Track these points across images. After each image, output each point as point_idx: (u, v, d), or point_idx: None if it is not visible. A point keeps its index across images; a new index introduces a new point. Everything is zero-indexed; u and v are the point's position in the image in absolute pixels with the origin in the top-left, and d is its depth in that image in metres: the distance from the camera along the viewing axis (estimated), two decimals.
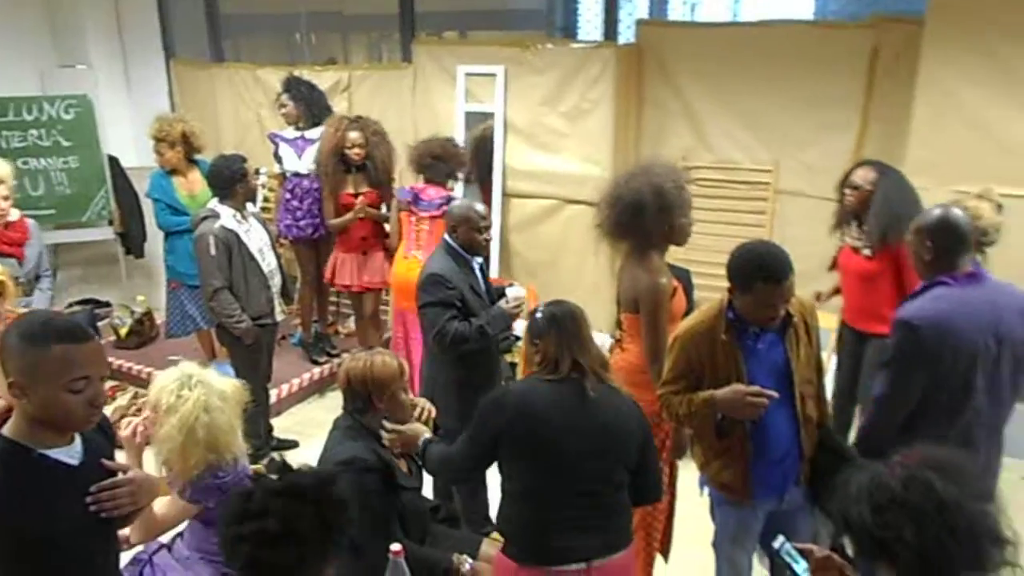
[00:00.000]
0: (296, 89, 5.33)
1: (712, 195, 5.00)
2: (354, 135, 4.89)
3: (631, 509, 2.42)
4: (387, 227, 5.13)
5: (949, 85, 4.16)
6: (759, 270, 2.38)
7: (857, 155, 4.63)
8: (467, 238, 3.35)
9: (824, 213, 4.17)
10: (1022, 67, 4.00)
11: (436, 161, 4.70)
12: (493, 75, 5.26)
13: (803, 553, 2.07)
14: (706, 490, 2.75)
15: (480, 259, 3.46)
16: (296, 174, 5.26)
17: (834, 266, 4.02)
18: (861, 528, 1.69)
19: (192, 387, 2.39)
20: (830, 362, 4.15)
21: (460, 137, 5.41)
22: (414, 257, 4.58)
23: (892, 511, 1.65)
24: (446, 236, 3.40)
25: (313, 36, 7.20)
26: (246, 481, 2.22)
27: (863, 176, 3.72)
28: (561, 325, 2.34)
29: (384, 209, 5.13)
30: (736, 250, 2.51)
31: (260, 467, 2.86)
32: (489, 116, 5.36)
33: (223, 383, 2.49)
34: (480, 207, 3.43)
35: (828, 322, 4.05)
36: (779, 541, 2.09)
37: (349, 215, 4.94)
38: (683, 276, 3.23)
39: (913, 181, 4.16)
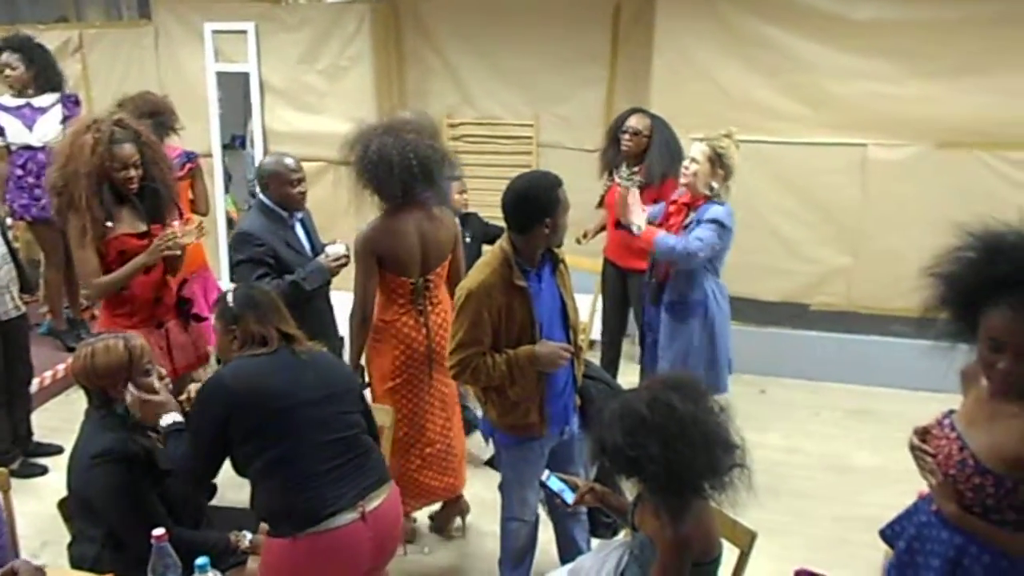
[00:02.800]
0: (29, 50, 4.67)
1: (478, 151, 5.12)
2: (126, 150, 3.09)
3: (378, 449, 2.47)
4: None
5: (683, 43, 4.52)
6: (552, 184, 2.51)
7: (608, 108, 4.93)
8: (280, 194, 3.18)
9: (583, 163, 4.41)
10: (742, 23, 4.43)
11: (155, 117, 4.36)
12: (243, 32, 4.99)
13: (568, 483, 2.22)
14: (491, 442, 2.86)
15: (300, 214, 3.29)
16: (28, 147, 4.68)
17: (601, 204, 4.25)
18: (615, 450, 1.84)
19: None
20: (597, 301, 4.42)
21: (214, 98, 5.11)
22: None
23: (640, 432, 1.81)
24: (260, 194, 3.25)
25: None
26: None
27: (640, 123, 3.94)
28: (257, 303, 2.37)
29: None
30: (508, 190, 2.55)
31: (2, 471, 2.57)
32: (243, 76, 5.08)
33: None
34: (289, 160, 3.23)
35: (595, 266, 4.32)
36: (546, 475, 2.22)
37: (139, 259, 3.10)
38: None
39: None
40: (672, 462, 1.78)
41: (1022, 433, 1.69)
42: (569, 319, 2.69)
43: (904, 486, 1.94)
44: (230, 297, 2.41)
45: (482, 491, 3.49)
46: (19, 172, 4.71)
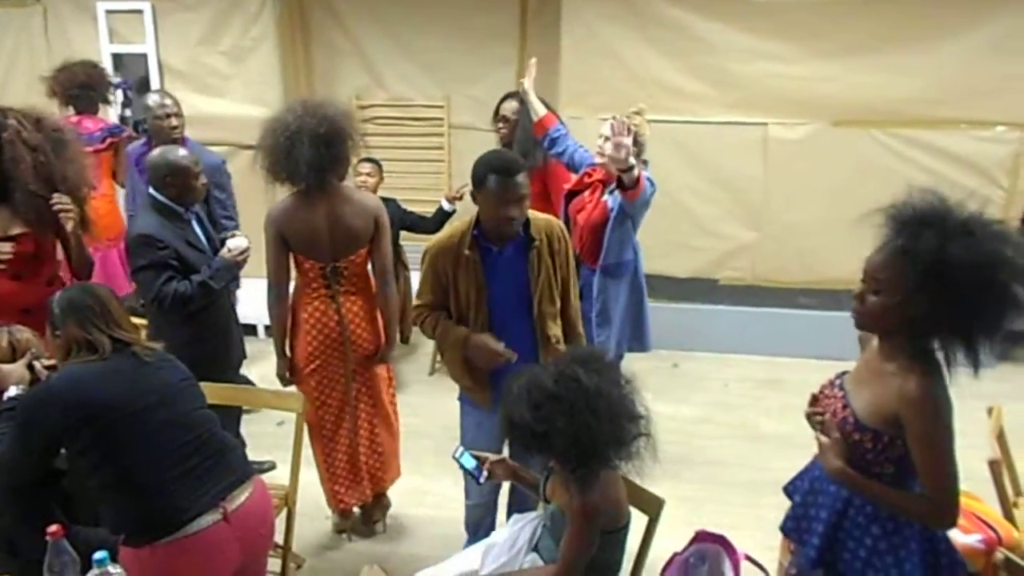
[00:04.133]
0: None
1: (389, 132, 5.06)
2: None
3: (240, 445, 2.40)
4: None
5: (589, 22, 4.56)
6: (489, 166, 2.49)
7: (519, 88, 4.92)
8: (184, 187, 3.02)
9: (495, 145, 4.39)
10: (648, 8, 4.49)
11: (85, 90, 4.19)
12: (139, 12, 4.79)
13: (480, 459, 2.23)
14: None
15: (195, 209, 3.14)
16: None
17: None
18: (522, 424, 1.85)
19: None
20: None
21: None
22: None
23: (547, 406, 1.83)
24: (151, 190, 3.05)
25: None
26: None
27: (509, 108, 4.02)
28: (78, 309, 2.21)
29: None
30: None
31: None
32: (141, 57, 4.89)
33: None
34: (182, 152, 3.09)
35: None
36: (460, 451, 2.23)
37: None
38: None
39: (566, 111, 4.54)
40: (578, 434, 1.81)
41: (897, 390, 1.77)
42: (532, 304, 2.62)
43: (810, 451, 2.04)
44: (54, 301, 2.24)
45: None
46: None
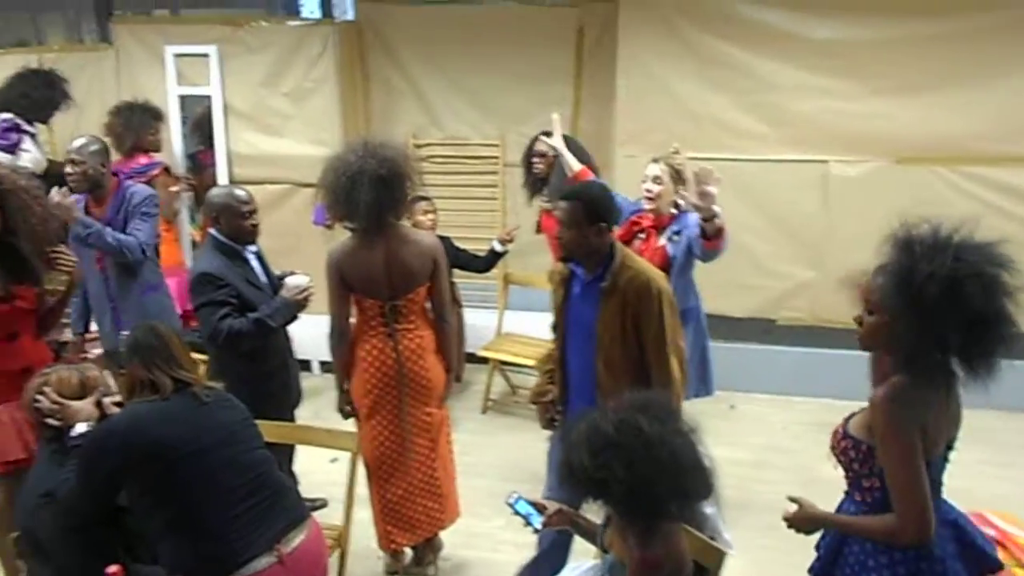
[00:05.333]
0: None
1: (445, 171, 5.11)
2: None
3: (295, 486, 2.41)
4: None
5: (645, 62, 4.56)
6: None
7: (574, 127, 4.95)
8: (232, 226, 3.08)
9: None
10: (701, 42, 4.49)
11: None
12: (206, 55, 4.94)
13: (536, 506, 2.19)
14: None
15: (254, 247, 3.19)
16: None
17: (539, 229, 4.32)
18: (581, 471, 1.81)
19: None
20: None
21: (176, 122, 5.06)
22: None
23: (606, 453, 1.79)
24: (211, 229, 3.13)
25: None
26: None
27: (547, 145, 4.05)
28: (143, 349, 2.26)
29: None
30: None
31: None
32: (206, 99, 5.04)
33: None
34: (240, 191, 3.15)
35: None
36: (513, 497, 2.19)
37: None
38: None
39: (622, 151, 4.55)
40: (638, 485, 1.76)
41: (877, 399, 1.84)
42: (594, 345, 2.60)
43: None
44: (123, 339, 2.31)
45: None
46: None
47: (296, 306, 3.12)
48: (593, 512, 2.19)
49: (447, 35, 4.99)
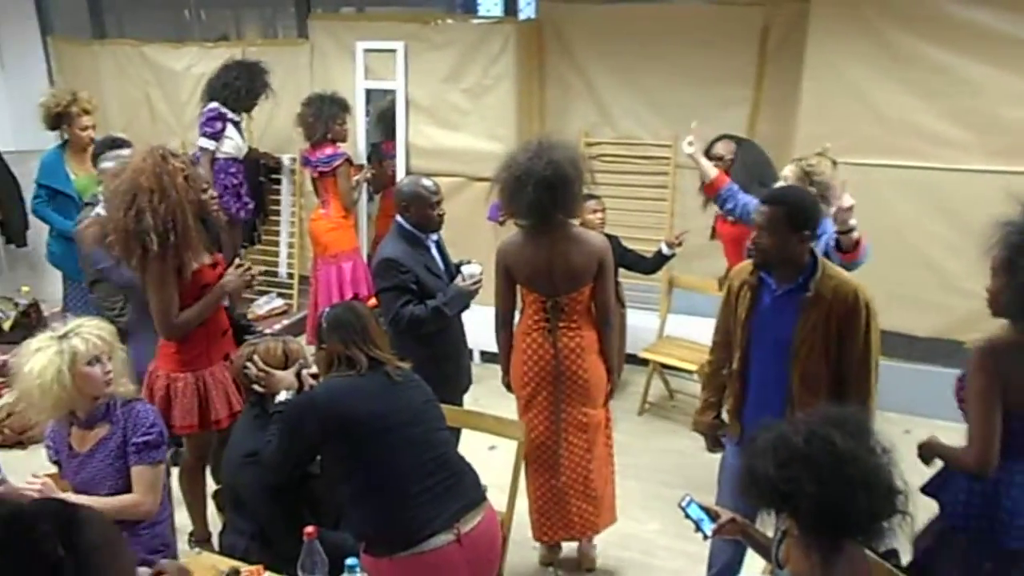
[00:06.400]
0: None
1: (616, 170, 5.08)
2: (200, 171, 3.38)
3: (472, 469, 2.46)
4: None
5: (835, 62, 4.33)
6: None
7: (751, 130, 4.79)
8: (421, 216, 3.22)
9: None
10: (901, 43, 4.21)
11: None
12: (393, 51, 5.17)
13: (709, 512, 2.14)
14: None
15: (435, 236, 3.33)
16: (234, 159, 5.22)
17: (714, 235, 4.22)
18: (766, 481, 1.75)
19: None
20: None
21: (362, 115, 5.32)
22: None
23: (794, 465, 1.72)
24: (398, 217, 3.27)
25: (203, 12, 6.88)
26: None
27: (724, 148, 3.97)
28: (342, 326, 2.37)
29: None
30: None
31: None
32: (390, 93, 5.27)
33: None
34: (428, 182, 3.27)
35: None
36: (686, 500, 2.15)
37: (217, 290, 3.02)
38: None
39: (802, 154, 4.34)
40: (827, 501, 1.68)
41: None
42: (790, 357, 2.50)
43: None
44: (324, 317, 2.44)
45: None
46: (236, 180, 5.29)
47: (469, 295, 3.23)
48: (766, 526, 2.13)
49: (626, 33, 4.95)
